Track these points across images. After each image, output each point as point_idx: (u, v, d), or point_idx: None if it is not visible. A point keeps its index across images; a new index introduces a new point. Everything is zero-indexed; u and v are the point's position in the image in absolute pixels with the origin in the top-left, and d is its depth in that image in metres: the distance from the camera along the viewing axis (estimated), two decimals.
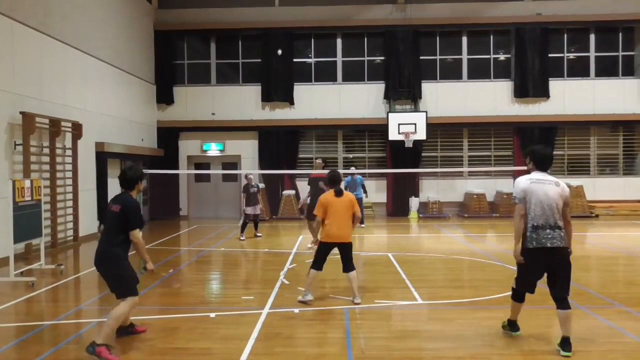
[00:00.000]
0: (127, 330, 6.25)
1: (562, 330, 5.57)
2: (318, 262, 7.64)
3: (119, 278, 5.83)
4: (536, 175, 5.77)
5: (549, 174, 5.81)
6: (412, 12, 20.07)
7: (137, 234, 5.79)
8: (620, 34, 20.77)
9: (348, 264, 7.65)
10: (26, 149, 11.72)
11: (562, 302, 5.56)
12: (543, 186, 5.65)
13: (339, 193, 7.66)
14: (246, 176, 15.05)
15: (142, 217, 6.01)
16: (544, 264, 5.62)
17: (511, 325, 6.17)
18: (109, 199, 17.01)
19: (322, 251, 7.67)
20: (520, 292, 5.96)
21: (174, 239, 15.49)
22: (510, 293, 6.12)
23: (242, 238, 14.52)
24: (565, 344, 5.51)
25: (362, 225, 16.54)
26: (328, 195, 7.69)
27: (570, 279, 5.65)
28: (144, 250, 5.93)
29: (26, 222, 9.69)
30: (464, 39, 20.91)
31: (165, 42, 20.68)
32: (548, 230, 5.55)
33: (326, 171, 12.60)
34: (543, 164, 5.81)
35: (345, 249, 7.63)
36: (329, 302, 7.76)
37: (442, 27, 20.64)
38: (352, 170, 17.23)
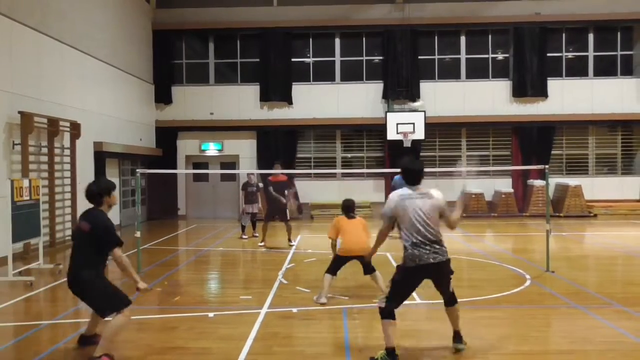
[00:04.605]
0: (92, 340, 5.71)
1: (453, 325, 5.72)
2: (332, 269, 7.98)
3: (101, 297, 5.37)
4: (406, 190, 5.45)
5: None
6: (411, 12, 20.07)
7: (118, 253, 5.27)
8: (619, 33, 20.78)
9: (369, 268, 7.94)
10: (24, 149, 11.69)
11: (450, 300, 5.68)
12: (414, 201, 5.36)
13: (350, 218, 8.05)
14: (247, 175, 15.12)
15: (115, 232, 5.44)
16: (424, 279, 5.51)
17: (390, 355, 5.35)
18: None
19: (338, 261, 7.99)
20: (391, 308, 5.45)
21: (172, 238, 15.48)
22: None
23: (244, 237, 14.55)
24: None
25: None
26: (340, 218, 8.07)
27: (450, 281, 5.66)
28: (130, 269, 5.35)
29: (24, 221, 9.69)
30: (463, 39, 20.91)
31: (163, 42, 20.65)
32: (429, 246, 5.33)
33: (282, 171, 13.39)
34: (409, 179, 5.51)
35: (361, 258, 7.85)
36: (327, 301, 7.74)
37: (441, 27, 20.64)
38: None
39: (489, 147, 21.01)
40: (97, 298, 5.41)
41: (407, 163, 5.59)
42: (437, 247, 5.35)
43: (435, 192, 5.46)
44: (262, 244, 13.16)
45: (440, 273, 5.48)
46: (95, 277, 5.37)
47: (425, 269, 5.33)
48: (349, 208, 8.19)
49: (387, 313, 5.39)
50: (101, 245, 5.32)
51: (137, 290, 5.47)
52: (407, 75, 20.21)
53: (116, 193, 5.67)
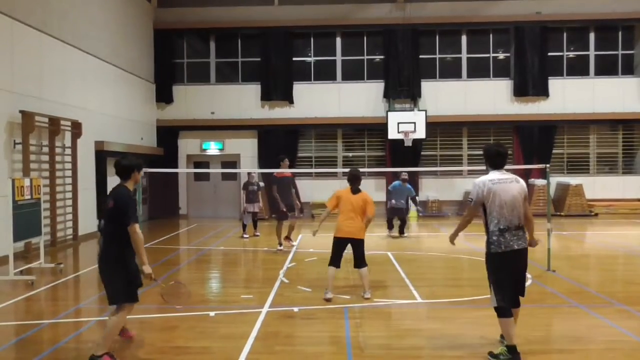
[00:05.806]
0: (121, 334, 5.90)
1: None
2: (332, 259, 7.89)
3: (113, 283, 5.41)
4: (494, 175, 5.45)
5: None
6: (412, 11, 20.05)
7: (134, 229, 5.25)
8: (620, 32, 20.76)
9: (359, 261, 7.90)
10: (25, 148, 11.71)
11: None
12: (505, 185, 5.37)
13: (354, 191, 8.01)
14: (248, 174, 15.09)
15: (135, 209, 5.44)
16: (511, 266, 5.38)
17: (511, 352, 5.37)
18: None
19: (334, 246, 7.94)
20: (503, 304, 5.40)
21: (173, 237, 15.49)
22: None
23: (245, 236, 14.55)
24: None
25: (405, 235, 14.65)
26: (343, 190, 8.05)
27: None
28: (141, 249, 5.32)
29: (26, 220, 9.69)
30: (464, 38, 20.90)
31: (164, 41, 20.65)
32: (514, 232, 5.34)
33: (291, 170, 13.21)
34: (494, 162, 5.50)
35: (355, 246, 7.88)
36: (332, 297, 7.74)
37: (442, 26, 20.63)
38: (404, 176, 14.73)
39: None
40: (112, 281, 5.42)
41: (493, 147, 5.63)
42: (521, 233, 5.38)
43: (518, 177, 5.50)
44: (281, 247, 12.36)
45: (520, 260, 5.44)
46: (120, 257, 5.36)
47: (509, 255, 5.32)
48: (352, 180, 8.03)
49: (502, 311, 5.36)
50: (123, 220, 5.32)
51: (141, 274, 5.47)
52: (408, 74, 20.20)
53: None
